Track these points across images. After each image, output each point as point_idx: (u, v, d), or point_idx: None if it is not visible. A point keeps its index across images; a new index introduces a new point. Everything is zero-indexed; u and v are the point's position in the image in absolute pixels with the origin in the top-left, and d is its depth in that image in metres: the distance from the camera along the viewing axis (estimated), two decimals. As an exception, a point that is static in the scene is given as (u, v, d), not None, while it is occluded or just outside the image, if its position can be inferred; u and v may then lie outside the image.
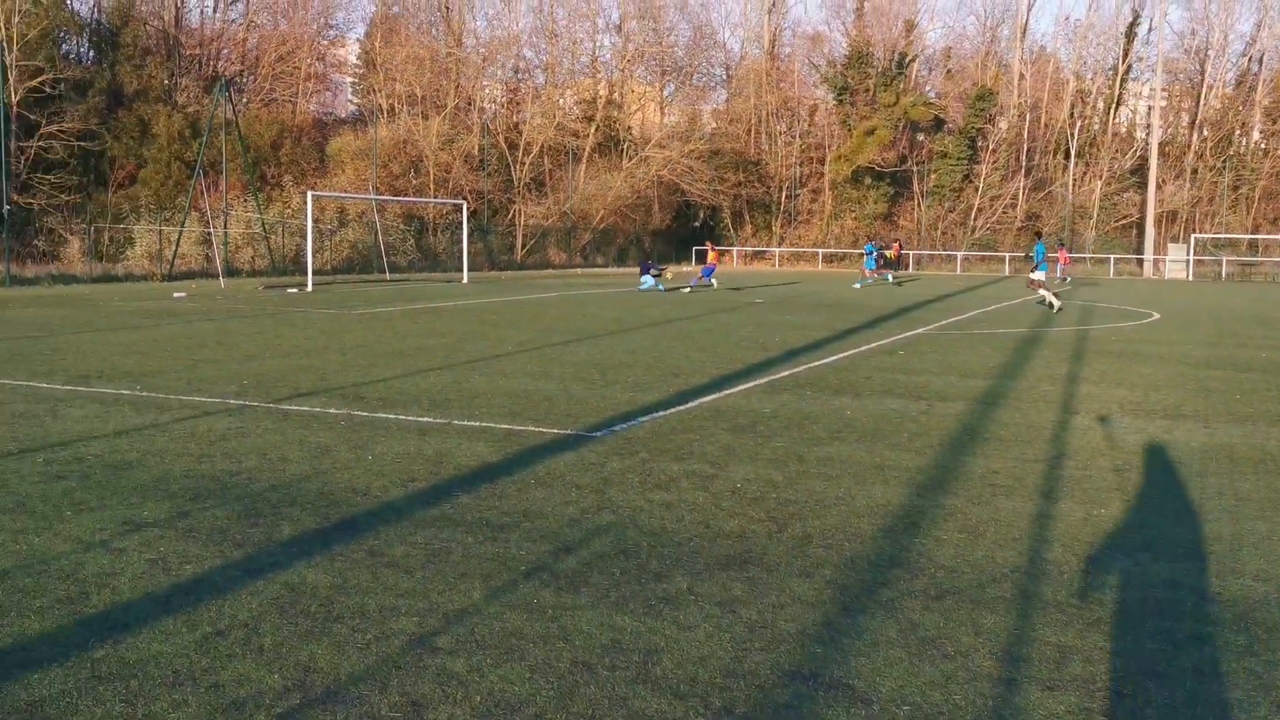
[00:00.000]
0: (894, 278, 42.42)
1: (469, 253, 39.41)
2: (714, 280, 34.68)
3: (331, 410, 9.52)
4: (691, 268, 58.45)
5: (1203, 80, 65.73)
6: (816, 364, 13.69)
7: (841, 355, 14.75)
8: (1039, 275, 25.78)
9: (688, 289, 32.89)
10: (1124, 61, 65.54)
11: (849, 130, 62.46)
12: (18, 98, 38.89)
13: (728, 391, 11.16)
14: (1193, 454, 8.35)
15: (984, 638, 4.50)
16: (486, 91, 59.56)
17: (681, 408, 10.07)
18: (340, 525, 5.91)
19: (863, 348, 15.82)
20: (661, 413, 9.76)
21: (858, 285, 38.57)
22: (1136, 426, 9.50)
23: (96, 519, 5.92)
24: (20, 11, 40.19)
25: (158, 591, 4.81)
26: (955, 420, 9.67)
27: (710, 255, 35.98)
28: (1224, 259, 57.05)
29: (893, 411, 10.07)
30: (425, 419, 9.18)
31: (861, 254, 42.19)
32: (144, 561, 5.21)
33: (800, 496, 6.79)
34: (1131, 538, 6.00)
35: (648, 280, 31.94)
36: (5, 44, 37.63)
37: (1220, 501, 6.83)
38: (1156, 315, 24.06)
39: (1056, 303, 24.86)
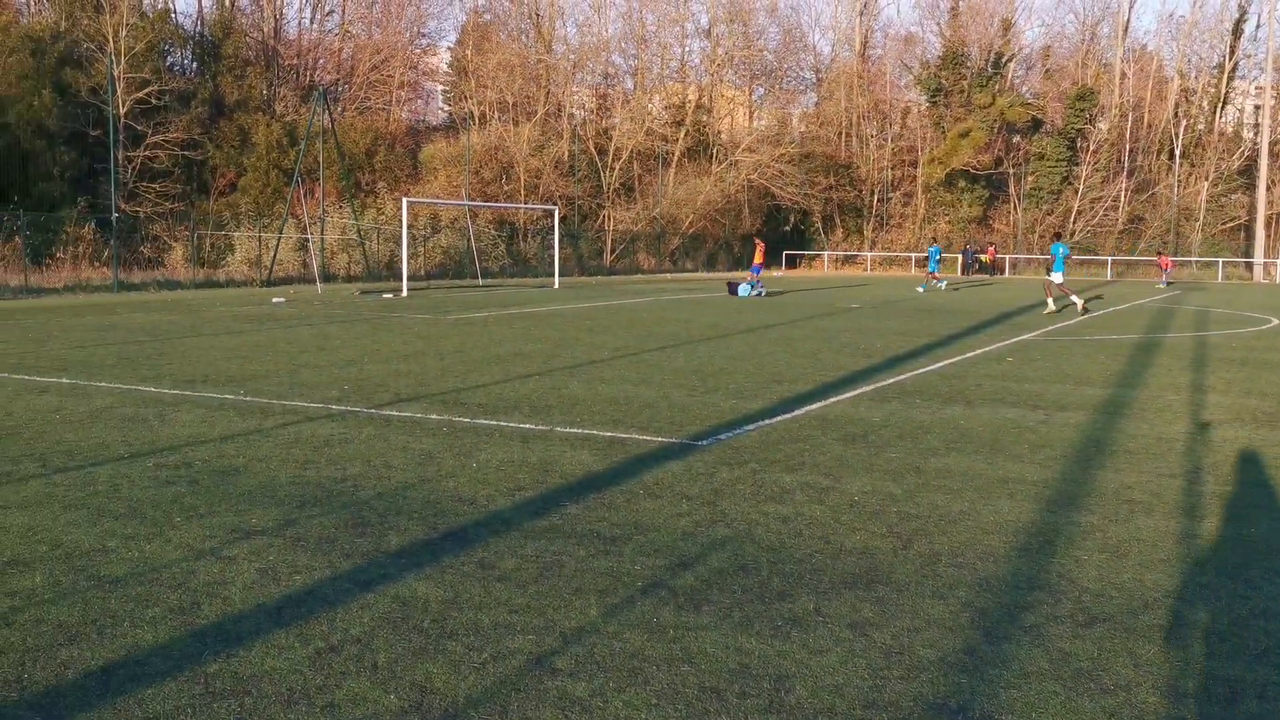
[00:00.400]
0: (945, 284, 40.88)
1: (559, 257, 39.49)
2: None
3: (432, 416, 9.42)
4: (781, 273, 57.90)
5: (1315, 77, 63.11)
6: (923, 371, 13.26)
7: (948, 362, 14.28)
8: (1057, 278, 25.06)
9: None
10: (1230, 59, 63.26)
11: (943, 132, 61.34)
12: (125, 109, 40.07)
13: (834, 399, 10.82)
14: (1343, 469, 7.79)
15: (1145, 670, 4.14)
16: (576, 97, 59.76)
17: (787, 416, 9.77)
18: (448, 536, 5.75)
19: (969, 354, 15.31)
20: (767, 421, 9.47)
21: (942, 285, 37.73)
22: (1276, 439, 8.94)
23: (206, 526, 5.85)
24: (128, 25, 41.43)
25: (269, 603, 4.68)
26: (1077, 431, 9.20)
27: (757, 255, 34.28)
28: (1341, 262, 54.66)
29: (1009, 421, 9.64)
30: (526, 425, 9.02)
31: (943, 258, 41.15)
32: (254, 571, 5.10)
33: (922, 511, 6.45)
34: (1291, 561, 5.55)
35: (744, 289, 31.54)
36: (114, 56, 38.83)
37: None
38: (1275, 321, 23.00)
39: (1053, 306, 24.69)
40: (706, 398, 10.80)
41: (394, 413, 9.59)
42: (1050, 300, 25.06)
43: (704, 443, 8.43)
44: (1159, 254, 51.36)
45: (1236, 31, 63.21)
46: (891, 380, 12.31)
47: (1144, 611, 4.78)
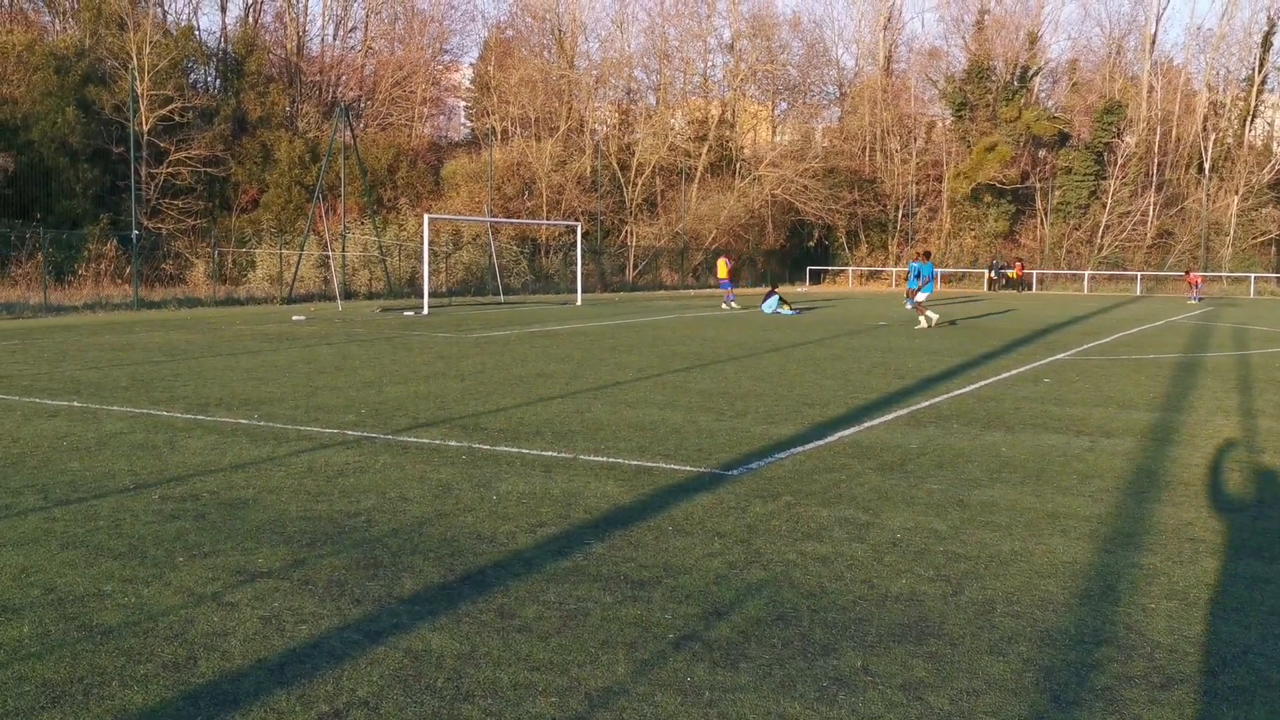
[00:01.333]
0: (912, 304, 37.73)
1: (582, 274, 39.19)
2: (730, 302, 35.29)
3: (452, 443, 9.07)
4: (806, 288, 57.44)
5: (1346, 89, 62.29)
6: (957, 393, 12.82)
7: (982, 384, 13.83)
8: (922, 296, 24.64)
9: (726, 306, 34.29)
10: (1260, 72, 62.50)
11: (968, 146, 60.81)
12: (149, 126, 40.11)
13: (867, 424, 10.41)
14: None
15: (1235, 744, 3.73)
16: (599, 113, 59.61)
17: (820, 442, 9.37)
18: (466, 579, 5.38)
19: (1003, 375, 14.86)
20: (799, 448, 9.07)
21: (909, 305, 35.26)
22: (1337, 469, 8.47)
23: (209, 567, 5.51)
24: (151, 42, 41.53)
25: (270, 658, 4.33)
26: (1126, 460, 8.76)
27: (721, 269, 35.52)
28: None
29: (1053, 449, 9.21)
30: (549, 453, 8.66)
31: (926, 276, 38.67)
32: (257, 619, 4.75)
33: (970, 550, 6.04)
34: (1377, 610, 5.11)
35: (768, 306, 30.88)
36: (138, 73, 38.89)
37: None
38: (1317, 339, 22.40)
39: (934, 318, 24.47)
40: (735, 422, 10.42)
41: (412, 439, 9.25)
42: (930, 316, 24.56)
43: (734, 472, 8.04)
44: (1187, 272, 50.58)
45: (1266, 44, 62.45)
46: (926, 403, 11.89)
47: (1224, 671, 4.36)
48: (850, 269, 63.79)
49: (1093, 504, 7.19)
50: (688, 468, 8.19)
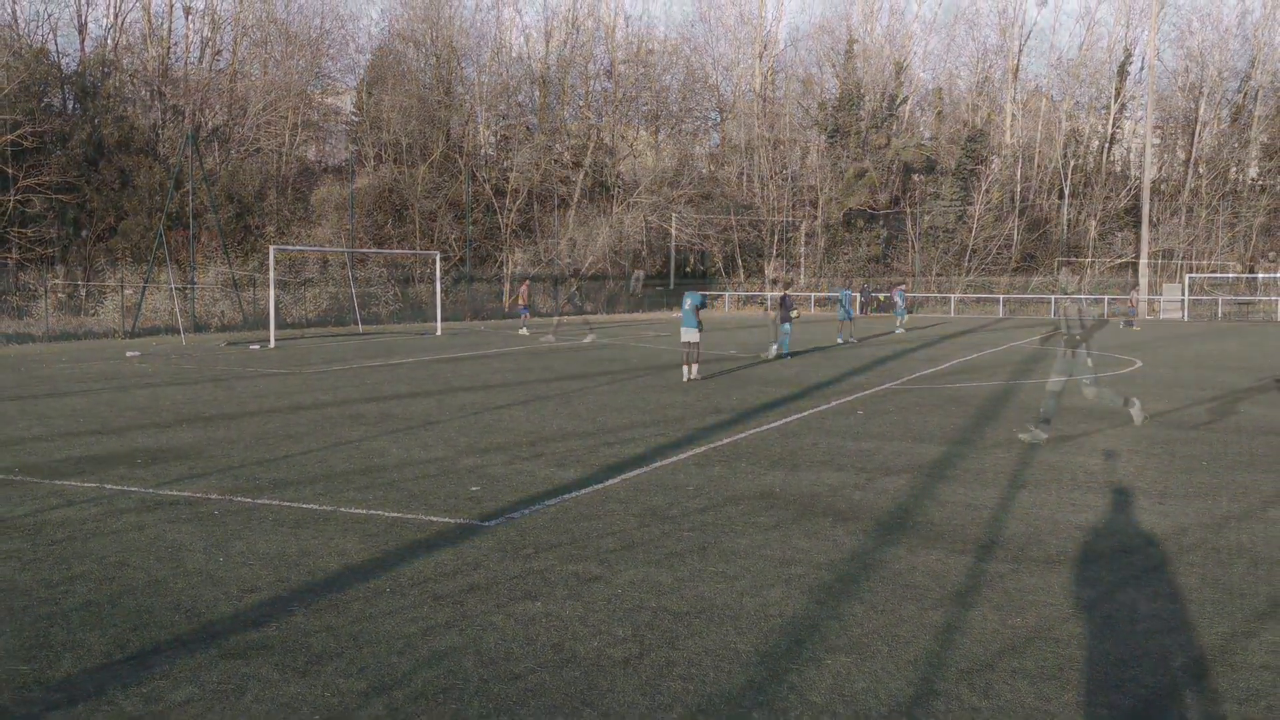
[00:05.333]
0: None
1: (448, 302, 38.82)
2: (525, 326, 36.12)
3: (213, 496, 8.80)
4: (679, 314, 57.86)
5: (1196, 117, 65.42)
6: (766, 427, 12.95)
7: (796, 417, 14.00)
8: (694, 335, 19.04)
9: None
10: (1116, 100, 65.30)
11: (840, 173, 62.10)
12: (-6, 152, 38.57)
13: (658, 464, 10.43)
14: (1138, 540, 7.58)
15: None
16: (476, 139, 59.30)
17: (599, 486, 9.34)
18: (133, 658, 5.16)
19: (822, 406, 15.08)
20: (575, 493, 9.03)
21: (847, 339, 32.77)
22: (1085, 503, 8.75)
23: None
24: (0, 65, 40.00)
25: None
26: (890, 498, 8.92)
27: (521, 294, 37.04)
28: (1220, 298, 56.38)
29: (826, 488, 9.33)
30: (311, 505, 8.45)
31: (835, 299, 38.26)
32: None
33: (684, 605, 6.04)
34: (1049, 656, 5.23)
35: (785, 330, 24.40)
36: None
37: (1152, 622, 6.07)
38: (1139, 364, 23.29)
39: (695, 374, 18.92)
40: (526, 465, 10.33)
41: (174, 492, 8.95)
42: (695, 369, 19.00)
43: (491, 523, 7.94)
44: (1134, 288, 50.75)
45: (1121, 73, 65.32)
46: (728, 440, 11.97)
47: (861, 734, 4.41)
48: (727, 294, 64.49)
49: (833, 550, 7.26)
50: (446, 519, 8.06)
